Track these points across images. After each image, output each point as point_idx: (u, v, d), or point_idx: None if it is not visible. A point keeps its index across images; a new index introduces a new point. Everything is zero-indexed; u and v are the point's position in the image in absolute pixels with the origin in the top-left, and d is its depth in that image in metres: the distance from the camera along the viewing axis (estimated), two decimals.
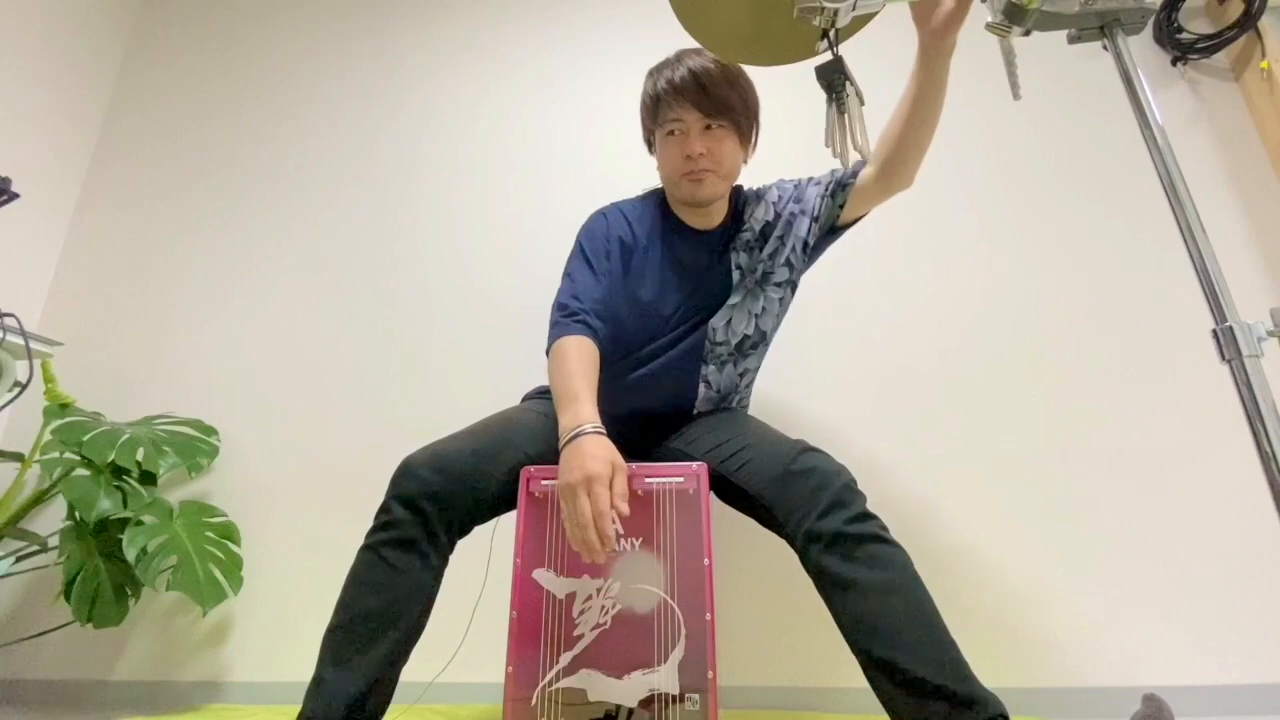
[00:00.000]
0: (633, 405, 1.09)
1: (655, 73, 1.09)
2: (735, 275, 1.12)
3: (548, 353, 1.02)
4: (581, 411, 0.91)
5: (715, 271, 1.13)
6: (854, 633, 0.81)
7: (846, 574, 0.81)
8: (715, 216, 1.15)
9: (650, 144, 1.15)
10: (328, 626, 0.87)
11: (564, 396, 0.94)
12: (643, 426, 1.09)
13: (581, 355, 0.98)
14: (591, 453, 0.85)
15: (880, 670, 0.78)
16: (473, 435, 1.00)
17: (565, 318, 1.03)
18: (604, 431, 0.90)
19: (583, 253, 1.11)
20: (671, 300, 1.11)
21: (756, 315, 1.13)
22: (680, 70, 1.04)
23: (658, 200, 1.18)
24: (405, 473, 0.92)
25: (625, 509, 0.84)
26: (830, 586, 0.83)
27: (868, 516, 0.86)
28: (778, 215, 1.15)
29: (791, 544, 0.89)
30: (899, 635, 0.78)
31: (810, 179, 1.19)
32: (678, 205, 1.15)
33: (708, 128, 1.05)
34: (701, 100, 1.03)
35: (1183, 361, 1.40)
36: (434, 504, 0.90)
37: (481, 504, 0.95)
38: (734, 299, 1.12)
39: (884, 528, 0.86)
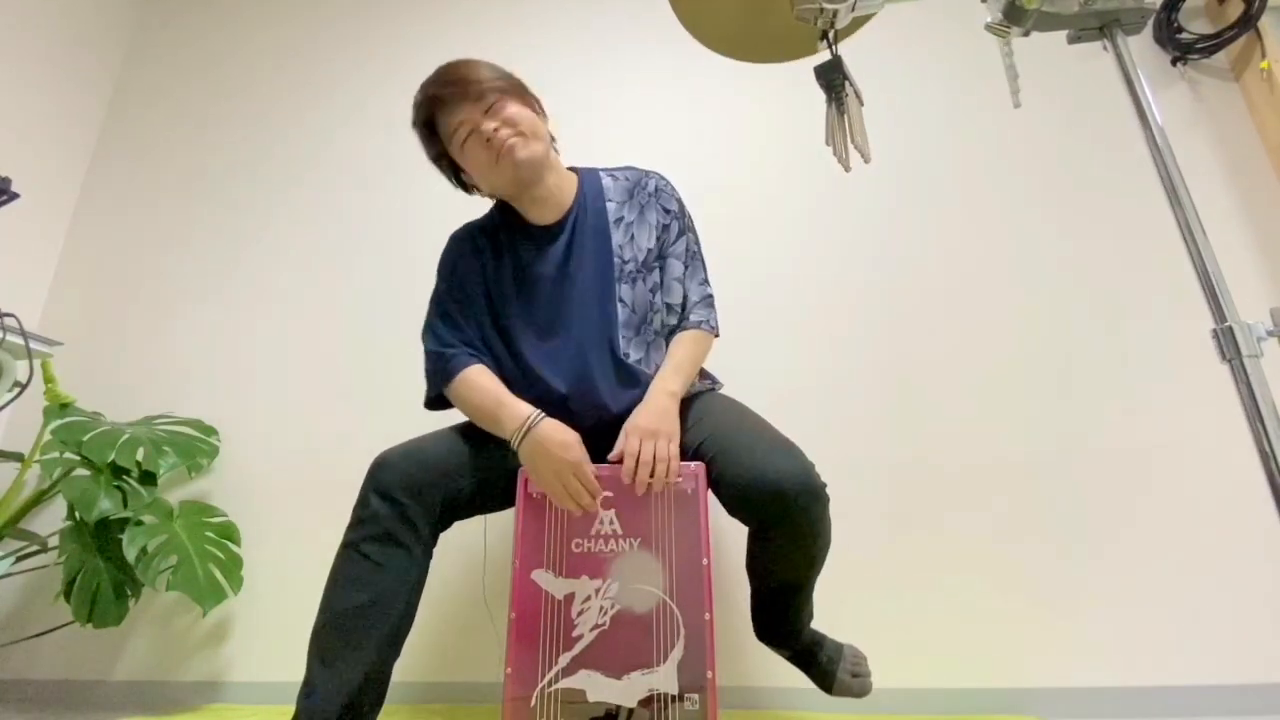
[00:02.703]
0: (592, 420, 1.01)
1: (416, 123, 1.09)
2: (616, 263, 1.07)
3: (435, 399, 1.06)
4: (518, 409, 0.96)
5: (589, 268, 1.07)
6: None
7: None
8: (559, 203, 1.10)
9: (460, 178, 1.13)
10: (314, 628, 0.87)
11: (492, 407, 0.97)
12: (601, 436, 1.00)
13: (482, 376, 1.01)
14: (559, 439, 0.93)
15: None
16: (446, 434, 1.02)
17: (442, 360, 1.03)
18: (544, 415, 0.95)
19: (436, 296, 1.11)
20: (553, 313, 1.06)
21: (662, 285, 1.11)
22: (429, 93, 1.05)
23: (501, 215, 1.14)
24: (381, 465, 0.93)
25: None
26: None
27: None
28: (663, 234, 1.12)
29: None
30: None
31: (689, 244, 1.15)
32: (520, 202, 1.11)
33: (486, 111, 1.02)
34: (465, 93, 1.02)
35: (1182, 361, 1.40)
36: (410, 495, 0.90)
37: (458, 498, 0.96)
38: (635, 285, 1.08)
39: (821, 535, 0.92)
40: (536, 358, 1.04)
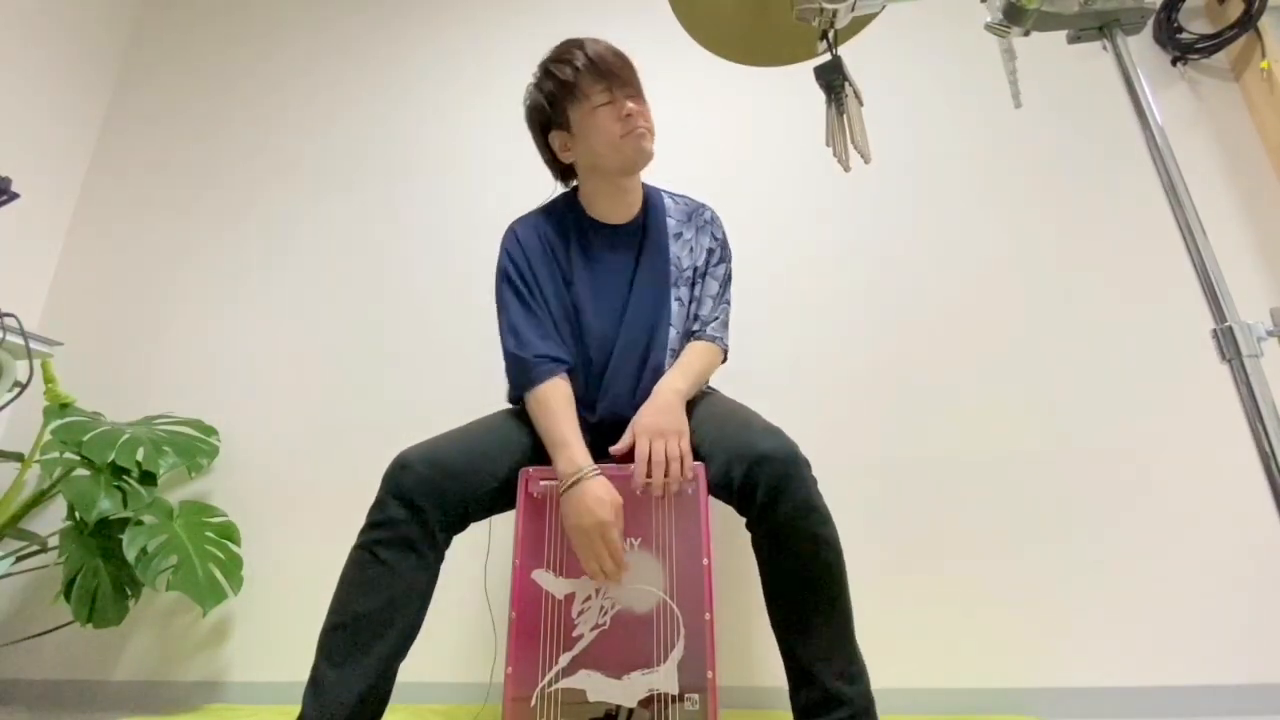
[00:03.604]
0: (606, 411, 1.10)
1: (558, 64, 1.10)
2: (673, 271, 1.16)
3: (516, 400, 1.08)
4: (575, 456, 0.95)
5: (649, 268, 1.15)
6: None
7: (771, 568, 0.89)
8: (633, 206, 1.17)
9: (545, 141, 1.16)
10: (324, 627, 0.87)
11: (555, 443, 0.98)
12: (616, 428, 1.06)
13: (558, 398, 1.02)
14: (598, 496, 0.91)
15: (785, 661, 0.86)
16: (466, 434, 1.02)
17: (524, 370, 1.04)
18: (600, 472, 0.95)
19: (513, 290, 1.10)
20: (612, 306, 1.13)
21: (698, 298, 1.19)
22: (589, 53, 1.08)
23: (567, 207, 1.19)
24: (401, 468, 0.92)
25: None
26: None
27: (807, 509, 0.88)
28: (709, 257, 1.21)
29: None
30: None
31: (727, 270, 1.23)
32: (602, 192, 1.15)
33: (631, 96, 1.09)
34: (624, 75, 1.09)
35: (1182, 361, 1.40)
36: (430, 500, 0.89)
37: (477, 501, 0.95)
38: (689, 290, 1.17)
39: (814, 512, 0.88)
40: (592, 343, 1.11)
